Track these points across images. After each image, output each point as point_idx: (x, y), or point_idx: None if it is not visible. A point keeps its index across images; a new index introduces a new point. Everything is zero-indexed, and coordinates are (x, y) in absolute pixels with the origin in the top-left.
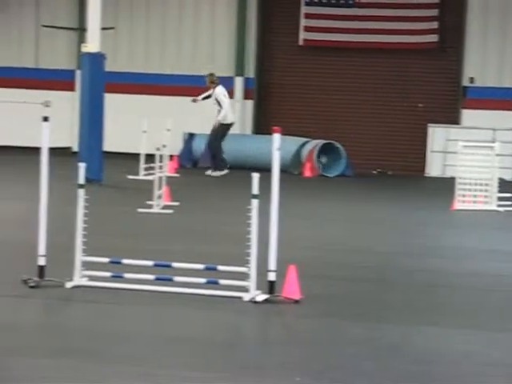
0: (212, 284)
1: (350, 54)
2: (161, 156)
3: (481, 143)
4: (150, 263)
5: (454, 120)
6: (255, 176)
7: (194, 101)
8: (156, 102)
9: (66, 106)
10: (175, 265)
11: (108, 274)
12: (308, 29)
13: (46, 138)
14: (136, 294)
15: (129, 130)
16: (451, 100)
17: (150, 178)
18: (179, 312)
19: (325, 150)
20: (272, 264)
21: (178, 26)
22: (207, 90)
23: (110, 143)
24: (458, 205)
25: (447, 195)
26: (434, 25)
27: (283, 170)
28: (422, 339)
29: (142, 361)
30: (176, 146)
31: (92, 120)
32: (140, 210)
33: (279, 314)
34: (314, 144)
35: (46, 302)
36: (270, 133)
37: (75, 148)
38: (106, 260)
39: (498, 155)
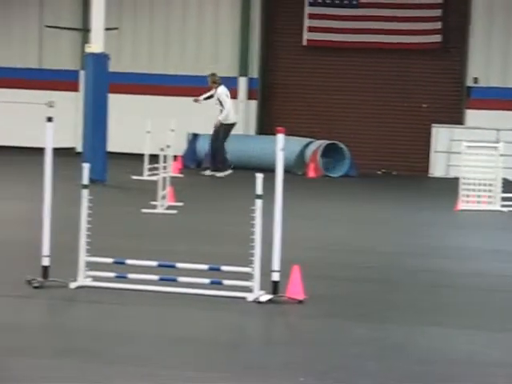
0: (216, 284)
1: (353, 55)
2: (165, 156)
3: (485, 143)
4: (153, 264)
5: (457, 120)
6: (259, 176)
7: (196, 101)
8: (160, 102)
9: (69, 107)
10: (179, 265)
11: (112, 274)
12: (312, 29)
13: (49, 139)
14: (140, 294)
15: (133, 130)
16: (455, 100)
17: (153, 178)
18: (183, 312)
19: (329, 150)
20: (276, 264)
21: (181, 26)
22: (209, 90)
23: (114, 144)
24: (461, 205)
25: (451, 195)
26: (438, 25)
27: (287, 171)
28: (426, 339)
29: (145, 361)
30: (180, 147)
31: (96, 120)
32: (144, 210)
33: (283, 314)
34: (318, 144)
35: (49, 302)
36: (273, 133)
37: (79, 148)
38: (109, 260)
39: (501, 155)
